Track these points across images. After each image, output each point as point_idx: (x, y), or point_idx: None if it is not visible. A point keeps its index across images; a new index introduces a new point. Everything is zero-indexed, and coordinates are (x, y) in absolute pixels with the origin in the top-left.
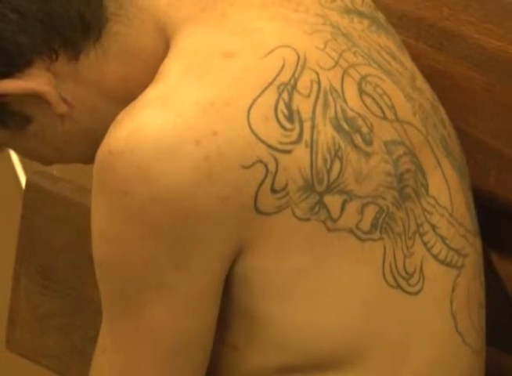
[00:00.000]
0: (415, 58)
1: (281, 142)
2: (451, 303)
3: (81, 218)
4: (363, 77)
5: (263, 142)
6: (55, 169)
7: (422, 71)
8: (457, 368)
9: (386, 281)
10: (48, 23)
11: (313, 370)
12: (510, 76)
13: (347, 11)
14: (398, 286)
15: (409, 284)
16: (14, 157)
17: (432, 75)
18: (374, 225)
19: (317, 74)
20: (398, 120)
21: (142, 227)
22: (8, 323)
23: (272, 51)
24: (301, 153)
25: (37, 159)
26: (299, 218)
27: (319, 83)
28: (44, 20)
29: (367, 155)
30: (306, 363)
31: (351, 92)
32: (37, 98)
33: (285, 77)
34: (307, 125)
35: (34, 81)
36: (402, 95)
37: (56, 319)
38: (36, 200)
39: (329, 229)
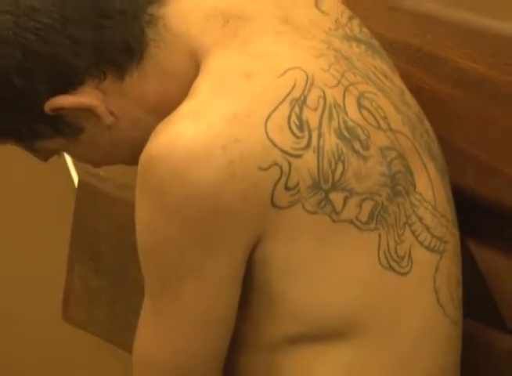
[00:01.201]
0: (404, 78)
1: (293, 148)
2: (434, 281)
3: (123, 211)
4: (361, 94)
5: (278, 147)
6: (102, 170)
7: (410, 89)
8: (439, 336)
9: (380, 264)
10: (98, 48)
11: (319, 339)
12: (484, 92)
13: (348, 38)
14: (391, 268)
15: (399, 266)
16: (68, 159)
17: (418, 92)
18: (371, 217)
19: (323, 91)
20: (390, 129)
21: (178, 221)
22: (63, 300)
23: (286, 72)
24: (310, 157)
25: (88, 162)
26: (308, 212)
27: (324, 99)
28: (94, 46)
29: (365, 158)
30: (313, 332)
31: (351, 106)
32: (88, 111)
33: (296, 93)
34: (314, 134)
35: (85, 97)
36: (393, 109)
37: (104, 295)
38: (86, 197)
39: (333, 221)
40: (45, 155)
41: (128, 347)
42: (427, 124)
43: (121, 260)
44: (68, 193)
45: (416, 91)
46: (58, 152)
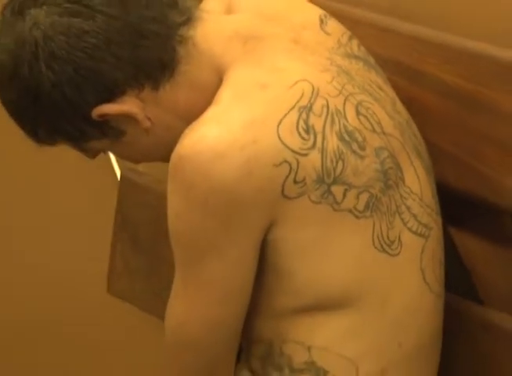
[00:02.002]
0: (395, 89)
1: (301, 148)
2: (420, 261)
3: (158, 201)
4: (359, 102)
5: (288, 148)
6: (140, 166)
7: (400, 99)
8: (425, 307)
9: (374, 246)
10: (137, 64)
11: (321, 309)
12: (462, 102)
13: (348, 55)
14: (383, 250)
15: (391, 248)
16: (112, 157)
17: (408, 102)
18: (366, 207)
19: (326, 100)
20: (383, 132)
21: (204, 210)
22: (108, 276)
23: (295, 84)
24: (315, 156)
25: (128, 159)
26: (313, 202)
27: (327, 106)
28: (133, 63)
29: (362, 157)
30: (316, 304)
31: (350, 113)
32: (129, 117)
33: (304, 102)
34: (319, 136)
35: (127, 105)
36: (386, 115)
37: (141, 272)
38: (127, 189)
39: (334, 210)
40: (92, 153)
41: (161, 315)
42: (415, 128)
43: (156, 242)
44: (112, 186)
45: (406, 100)
46: (103, 151)
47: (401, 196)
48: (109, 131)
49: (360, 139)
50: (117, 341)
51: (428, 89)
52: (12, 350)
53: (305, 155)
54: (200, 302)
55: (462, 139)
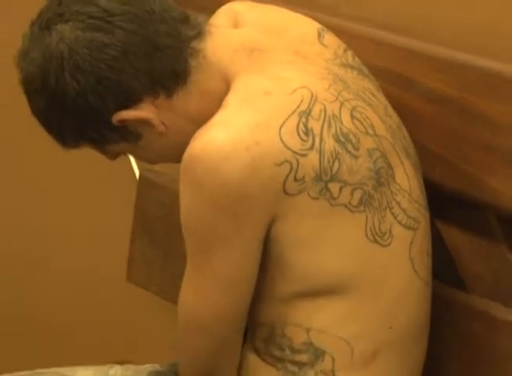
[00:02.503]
0: (387, 96)
1: (301, 149)
2: (410, 252)
3: (172, 198)
4: (354, 108)
5: (289, 149)
6: (156, 166)
7: (392, 104)
8: (414, 293)
9: (368, 238)
10: (152, 74)
11: (319, 295)
12: (449, 107)
13: (344, 65)
14: (376, 241)
15: (382, 240)
16: (131, 159)
17: (399, 107)
18: (360, 202)
19: (324, 105)
20: (375, 135)
21: (212, 205)
22: (127, 266)
23: (295, 90)
24: (314, 156)
25: (145, 160)
26: (312, 198)
27: (325, 111)
28: (149, 73)
29: (356, 157)
30: (315, 291)
31: (345, 117)
32: (145, 122)
33: (303, 107)
34: (317, 138)
35: (143, 112)
36: (378, 119)
37: (157, 262)
38: (145, 187)
39: (331, 205)
40: (113, 155)
41: (174, 301)
42: (405, 131)
43: (170, 235)
44: (131, 185)
45: (397, 106)
46: (123, 153)
47: (391, 192)
48: (128, 135)
49: (354, 140)
50: (134, 322)
51: (418, 96)
52: (37, 333)
53: (305, 155)
54: (210, 290)
55: (448, 141)
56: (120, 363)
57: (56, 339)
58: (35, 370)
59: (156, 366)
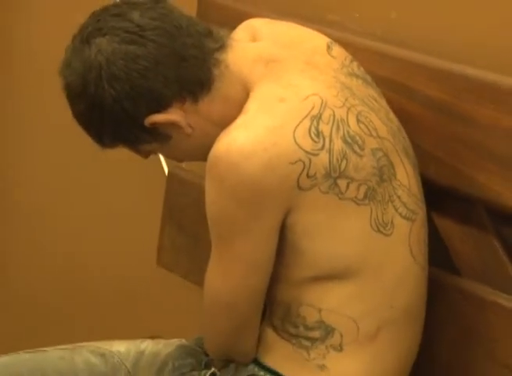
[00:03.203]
0: (389, 102)
1: (312, 149)
2: (408, 240)
3: (198, 192)
4: (359, 112)
5: (302, 149)
6: (184, 164)
7: (393, 110)
8: (412, 277)
9: (372, 228)
10: (180, 82)
11: (328, 278)
12: (444, 112)
13: (350, 74)
14: (379, 230)
15: (385, 230)
16: (161, 157)
17: (399, 112)
18: (365, 196)
19: (333, 110)
20: (378, 136)
21: (234, 199)
22: (157, 252)
23: (307, 97)
24: (324, 156)
25: (174, 159)
26: (322, 192)
27: (334, 116)
28: (177, 81)
29: (361, 156)
30: (325, 274)
31: (352, 120)
32: (174, 124)
33: (314, 112)
34: (327, 140)
35: (172, 115)
36: (380, 123)
37: (185, 248)
38: (173, 183)
39: (339, 199)
40: (145, 154)
41: (200, 284)
42: (404, 133)
43: (196, 225)
44: (161, 180)
45: (398, 111)
46: (154, 152)
47: (393, 187)
48: (158, 136)
49: (360, 141)
50: (163, 302)
51: (415, 102)
52: (79, 311)
53: (316, 155)
54: (232, 273)
55: (442, 142)
56: (151, 337)
57: (95, 316)
58: (76, 344)
59: (183, 341)
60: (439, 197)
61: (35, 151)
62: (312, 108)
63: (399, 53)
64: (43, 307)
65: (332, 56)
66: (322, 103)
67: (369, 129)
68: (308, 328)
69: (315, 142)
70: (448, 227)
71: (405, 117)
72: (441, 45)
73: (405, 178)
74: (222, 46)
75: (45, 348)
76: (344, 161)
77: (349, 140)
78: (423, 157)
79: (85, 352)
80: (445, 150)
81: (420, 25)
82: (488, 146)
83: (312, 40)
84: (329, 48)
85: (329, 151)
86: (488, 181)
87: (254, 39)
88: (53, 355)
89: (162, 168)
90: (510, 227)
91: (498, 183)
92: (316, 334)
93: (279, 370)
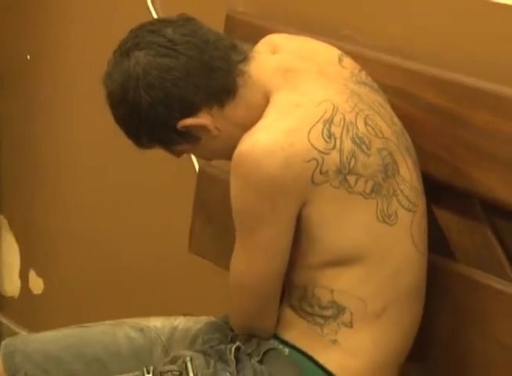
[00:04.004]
0: (393, 107)
1: (325, 149)
2: (410, 229)
3: (225, 187)
4: (366, 116)
5: (316, 149)
6: (212, 162)
7: (397, 114)
8: (413, 262)
9: (377, 219)
10: (208, 91)
11: (339, 263)
12: (443, 116)
13: (358, 82)
14: (384, 221)
15: (389, 220)
16: (192, 156)
17: (403, 116)
18: (372, 191)
19: (343, 115)
20: (384, 137)
21: (256, 193)
22: (189, 240)
23: (320, 103)
24: (335, 155)
25: (203, 158)
26: (334, 187)
27: (344, 119)
28: (206, 89)
29: (368, 155)
30: (336, 260)
31: (360, 123)
32: (203, 127)
33: (327, 116)
34: (338, 141)
35: (202, 119)
36: (385, 125)
37: (213, 236)
38: (203, 178)
39: (349, 193)
40: (178, 154)
41: (227, 268)
42: (407, 134)
43: (223, 216)
44: (192, 177)
45: (401, 115)
46: (185, 152)
47: (396, 183)
48: (189, 138)
49: (367, 142)
50: (194, 284)
51: (417, 107)
52: (121, 291)
53: (328, 154)
54: (254, 259)
55: (441, 143)
56: (184, 315)
57: (135, 296)
58: (118, 320)
59: (212, 318)
60: (438, 192)
61: (85, 153)
62: (325, 112)
63: (404, 64)
64: (90, 288)
65: (343, 67)
66: (333, 108)
67: (375, 131)
68: (321, 307)
69: (327, 142)
70: (447, 218)
71: (409, 121)
72: (441, 56)
73: (408, 174)
74: (245, 58)
75: (90, 324)
76: (353, 159)
77: (357, 141)
78: (424, 156)
79: (126, 328)
80: (444, 150)
81: (422, 39)
82: (482, 146)
83: (325, 52)
84: (340, 59)
85: (340, 150)
86: (483, 177)
87: (273, 52)
88: (98, 330)
89: (193, 165)
90: (501, 218)
91: (491, 180)
92: (329, 312)
93: (296, 344)
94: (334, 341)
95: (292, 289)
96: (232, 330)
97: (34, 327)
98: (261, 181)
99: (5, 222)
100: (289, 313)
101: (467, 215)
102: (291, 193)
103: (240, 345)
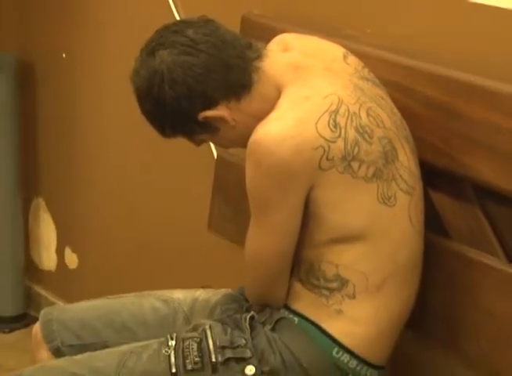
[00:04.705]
0: (393, 100)
1: (331, 137)
2: (408, 210)
3: (241, 172)
4: (369, 108)
5: (323, 137)
6: (230, 150)
7: (396, 106)
8: (411, 240)
9: (378, 201)
10: (226, 86)
11: (344, 241)
12: (440, 109)
13: (362, 78)
14: (384, 203)
15: (389, 202)
16: (211, 145)
17: (402, 108)
18: (374, 175)
19: (348, 106)
20: (384, 127)
21: (268, 178)
22: (208, 218)
23: (327, 96)
24: (340, 143)
25: (221, 146)
26: (339, 172)
27: (348, 111)
28: (224, 84)
29: (370, 143)
30: (341, 238)
31: (363, 114)
32: (221, 119)
33: (333, 108)
34: (343, 130)
35: (220, 111)
36: (386, 116)
37: (230, 216)
38: (221, 164)
39: (353, 177)
40: (198, 143)
41: (242, 244)
42: (405, 124)
43: (239, 198)
44: (211, 163)
45: (401, 107)
46: (205, 141)
47: (396, 168)
48: (209, 129)
49: (369, 131)
50: (214, 258)
51: (416, 101)
52: (147, 265)
53: (334, 142)
54: (268, 236)
55: (437, 132)
56: (203, 287)
57: (160, 270)
58: (144, 292)
59: (229, 290)
60: (435, 177)
61: (116, 142)
62: (331, 104)
63: (403, 61)
64: (120, 263)
65: (347, 64)
66: (339, 100)
67: (376, 121)
68: (327, 280)
69: (333, 131)
70: (442, 201)
71: (408, 113)
72: (438, 54)
73: (406, 160)
74: (260, 56)
75: (120, 295)
76: (357, 147)
77: (361, 130)
78: (422, 146)
79: (152, 299)
80: (441, 140)
81: (420, 38)
82: (476, 136)
83: (331, 50)
84: (345, 57)
85: (345, 139)
86: (475, 164)
87: (285, 50)
88: (126, 300)
89: (212, 153)
90: (491, 200)
91: (482, 166)
92: (334, 285)
93: (305, 313)
94: (339, 311)
95: (300, 264)
96: (247, 301)
97: (70, 298)
98: (273, 167)
99: (43, 204)
100: (298, 286)
101: (461, 198)
102: (300, 177)
103: (254, 314)
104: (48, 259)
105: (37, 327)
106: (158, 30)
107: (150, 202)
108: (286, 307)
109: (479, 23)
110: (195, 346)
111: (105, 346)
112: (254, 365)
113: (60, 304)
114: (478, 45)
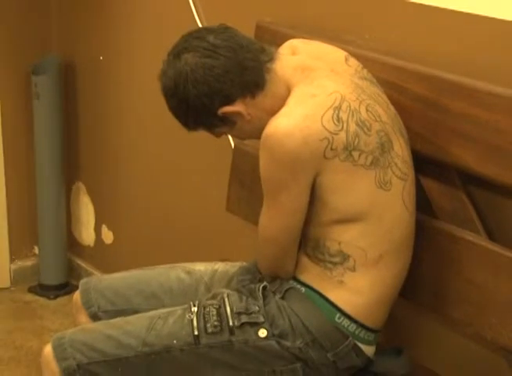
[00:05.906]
0: (388, 97)
1: (334, 130)
2: (402, 194)
3: (255, 160)
4: (368, 104)
5: (327, 130)
6: (246, 141)
7: (391, 102)
8: (404, 220)
9: (376, 186)
10: (242, 85)
11: (345, 221)
12: (430, 105)
13: (361, 77)
14: (381, 187)
15: (385, 187)
16: (229, 136)
17: (396, 104)
18: (371, 163)
19: (349, 103)
20: (381, 121)
21: (279, 165)
22: (227, 201)
23: (331, 94)
24: (343, 135)
25: (238, 137)
26: (341, 160)
27: (350, 107)
28: (241, 84)
29: (369, 135)
30: (343, 218)
31: (363, 110)
32: (238, 114)
33: (336, 104)
34: (345, 124)
35: (237, 107)
36: (383, 111)
37: (245, 199)
38: (238, 153)
39: (353, 165)
40: (218, 135)
41: (256, 223)
42: (400, 119)
43: (253, 183)
44: (229, 152)
45: (395, 103)
46: (224, 133)
47: (391, 157)
48: (227, 122)
49: (368, 125)
50: (231, 236)
51: (407, 97)
52: (170, 242)
53: (337, 134)
54: (279, 216)
55: (427, 125)
56: (222, 260)
57: (184, 245)
58: (171, 264)
59: (244, 263)
60: (424, 165)
61: (148, 135)
62: (334, 101)
63: (396, 63)
64: (150, 239)
65: (348, 65)
66: (341, 97)
67: (374, 116)
68: (331, 255)
69: (336, 125)
70: (430, 185)
71: (400, 108)
72: (426, 55)
73: (400, 150)
74: (272, 59)
75: (149, 267)
76: (357, 139)
77: (360, 124)
78: (412, 136)
79: (177, 270)
80: (428, 130)
81: (411, 42)
82: (459, 128)
83: (334, 54)
84: (346, 59)
85: (347, 132)
86: (459, 152)
87: (293, 54)
88: (155, 272)
89: (230, 143)
90: (474, 185)
91: (466, 155)
92: (336, 259)
93: (311, 284)
94: (341, 282)
95: (307, 241)
96: (260, 273)
97: (105, 269)
98: (283, 156)
99: (83, 187)
100: (305, 260)
101: (447, 183)
102: (307, 165)
103: (266, 284)
104: (87, 235)
105: (77, 295)
106: (183, 36)
107: (176, 186)
108: (295, 278)
109: (460, 29)
110: (214, 312)
111: (136, 312)
112: (266, 328)
113: (97, 274)
114: (461, 49)
